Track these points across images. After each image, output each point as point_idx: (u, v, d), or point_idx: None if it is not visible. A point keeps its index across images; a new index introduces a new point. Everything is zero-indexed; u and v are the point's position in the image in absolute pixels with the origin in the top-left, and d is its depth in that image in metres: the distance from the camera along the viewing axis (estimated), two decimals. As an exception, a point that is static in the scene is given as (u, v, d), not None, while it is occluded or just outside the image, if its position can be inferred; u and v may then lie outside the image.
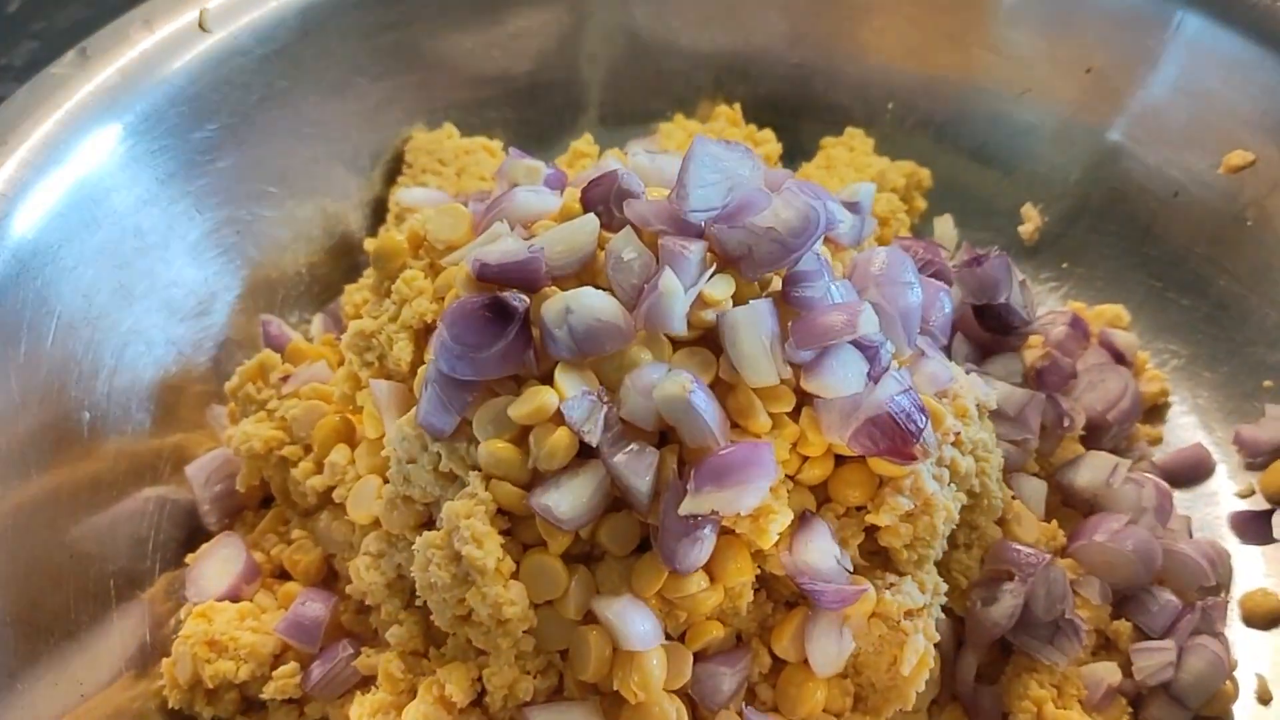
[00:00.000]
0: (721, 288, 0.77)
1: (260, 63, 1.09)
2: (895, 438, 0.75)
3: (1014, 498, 0.91)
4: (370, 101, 1.16)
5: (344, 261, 1.15)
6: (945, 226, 1.16)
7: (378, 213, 1.18)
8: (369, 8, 1.14)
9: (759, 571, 0.78)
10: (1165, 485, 0.96)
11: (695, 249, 0.77)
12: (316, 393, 0.93)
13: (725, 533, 0.76)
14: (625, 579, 0.76)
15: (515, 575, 0.76)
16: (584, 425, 0.73)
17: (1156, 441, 1.06)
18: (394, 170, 1.19)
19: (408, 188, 1.14)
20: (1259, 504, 1.01)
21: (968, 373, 0.90)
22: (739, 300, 0.78)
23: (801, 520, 0.78)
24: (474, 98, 1.21)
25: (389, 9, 1.15)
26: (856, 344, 0.77)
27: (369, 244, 1.11)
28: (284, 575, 0.92)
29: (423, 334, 0.87)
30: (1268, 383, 1.03)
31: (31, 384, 0.90)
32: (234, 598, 0.89)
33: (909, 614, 0.79)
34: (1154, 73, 1.10)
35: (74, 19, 1.56)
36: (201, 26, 1.06)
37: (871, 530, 0.81)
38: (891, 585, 0.80)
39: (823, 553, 0.76)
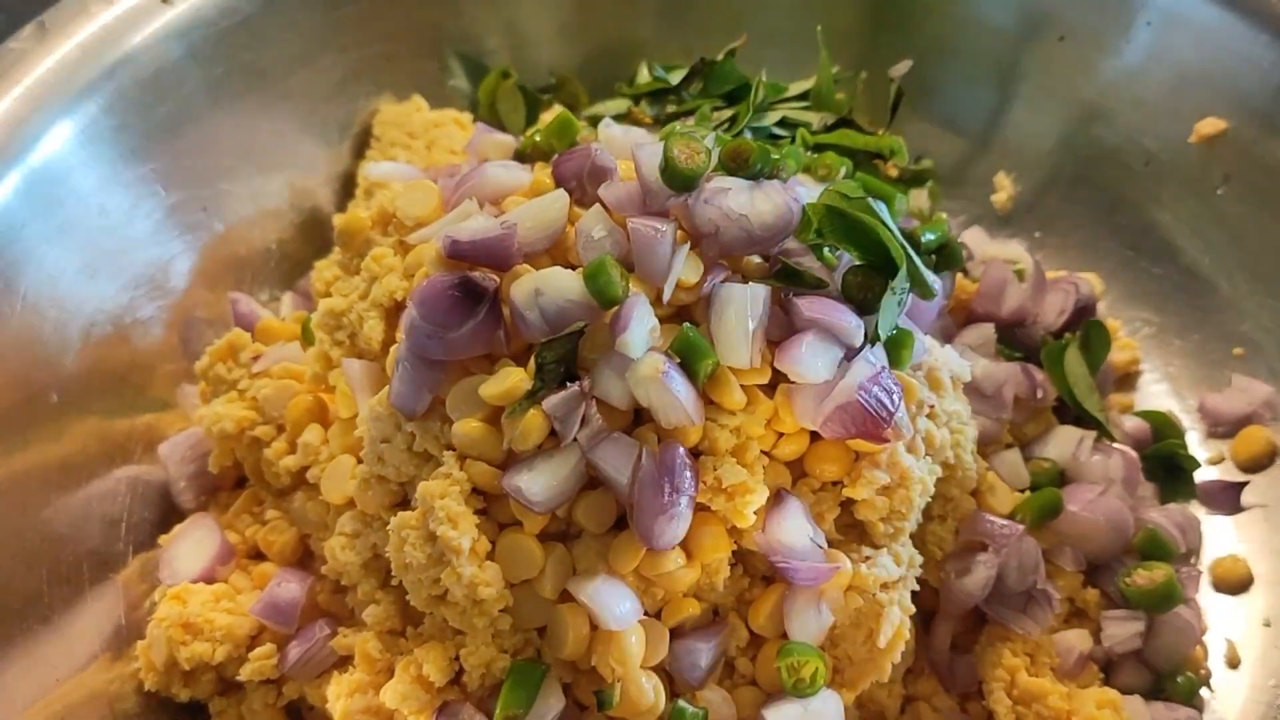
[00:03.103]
0: (692, 271, 0.77)
1: (224, 35, 1.07)
2: (866, 423, 0.75)
3: (988, 469, 0.91)
4: (337, 74, 1.14)
5: (314, 237, 1.14)
6: (919, 198, 1.16)
7: (346, 187, 1.16)
8: (333, -24, 1.12)
9: (735, 548, 0.78)
10: (1133, 455, 0.96)
11: (666, 230, 0.77)
12: (288, 372, 0.92)
13: (701, 510, 0.76)
14: (602, 557, 0.76)
15: (491, 555, 0.76)
16: (563, 421, 0.73)
17: (1128, 409, 1.06)
18: (362, 143, 1.17)
19: (376, 161, 1.12)
20: (1229, 471, 1.02)
21: (943, 345, 0.90)
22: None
23: (775, 499, 0.78)
24: (443, 73, 1.19)
25: (354, -23, 1.14)
26: (830, 330, 0.77)
27: (337, 220, 1.09)
28: (259, 556, 0.92)
29: (393, 312, 0.86)
30: (1238, 350, 1.04)
31: (-4, 366, 0.88)
32: (209, 579, 0.88)
33: (885, 586, 0.79)
34: (1127, 42, 1.10)
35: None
36: (163, -1, 1.04)
37: (847, 504, 0.81)
38: (867, 558, 0.80)
39: (796, 531, 0.77)
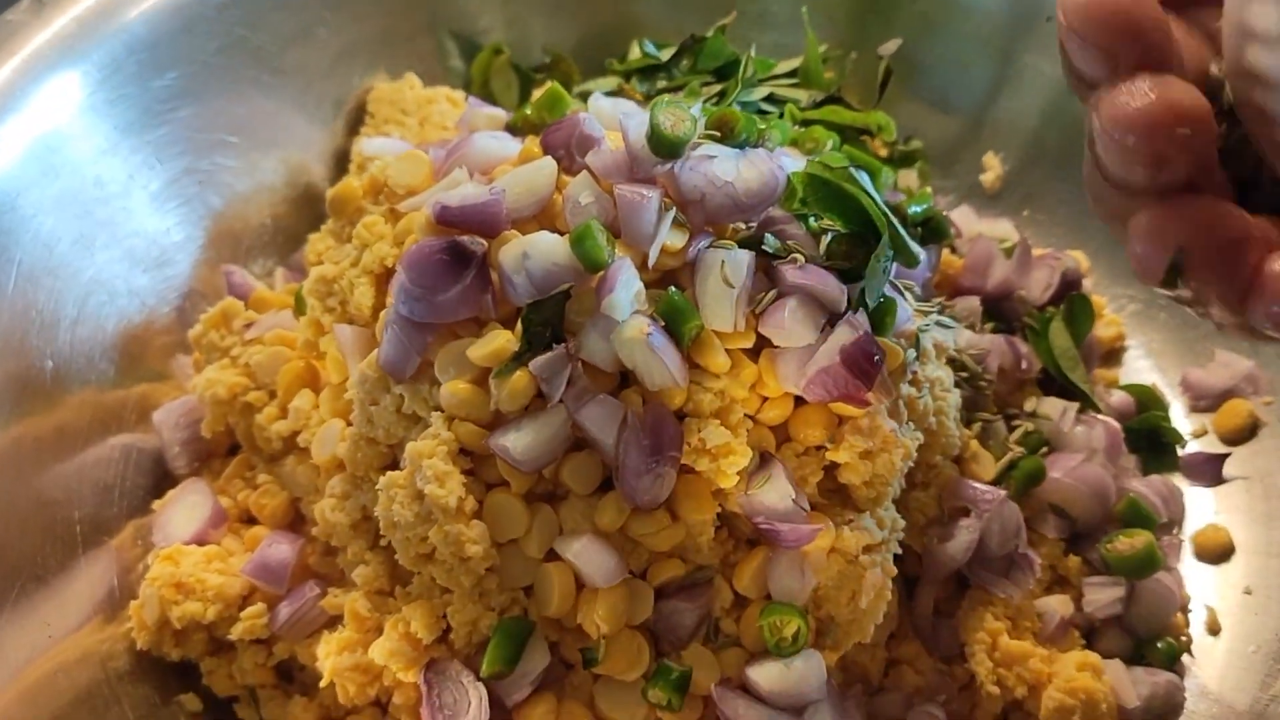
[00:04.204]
0: (678, 236, 0.78)
1: (219, 11, 1.08)
2: (848, 386, 0.76)
3: (972, 437, 0.92)
4: (332, 52, 1.15)
5: (307, 212, 1.15)
6: (909, 178, 1.17)
7: (341, 163, 1.17)
8: (329, -46, 1.14)
9: (720, 510, 0.79)
10: (1115, 425, 0.98)
11: (651, 196, 0.78)
12: (280, 339, 0.93)
13: (686, 471, 0.77)
14: (588, 517, 0.77)
15: (478, 514, 0.77)
16: (549, 381, 0.74)
17: (1113, 384, 1.07)
18: (357, 120, 1.18)
19: (370, 137, 1.13)
20: (1211, 444, 1.03)
21: (926, 312, 0.91)
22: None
23: (759, 462, 0.79)
24: (437, 50, 1.20)
25: (349, -45, 1.15)
26: (814, 296, 0.78)
27: (330, 192, 1.10)
28: (251, 521, 0.93)
29: (383, 278, 0.87)
30: (1220, 326, 1.05)
31: (-9, 333, 0.90)
32: (201, 542, 0.89)
33: (867, 549, 0.80)
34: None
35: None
36: (159, -27, 1.05)
37: (830, 468, 0.82)
38: (850, 521, 0.81)
39: (779, 494, 0.78)
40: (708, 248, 0.79)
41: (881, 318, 0.82)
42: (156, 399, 1.01)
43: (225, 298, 1.05)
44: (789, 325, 0.77)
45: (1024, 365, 0.98)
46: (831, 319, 0.79)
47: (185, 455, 0.95)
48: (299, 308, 0.96)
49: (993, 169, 1.20)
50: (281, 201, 1.15)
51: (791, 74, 1.11)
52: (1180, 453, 1.02)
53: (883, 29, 1.23)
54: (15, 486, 0.89)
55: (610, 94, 1.10)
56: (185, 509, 0.91)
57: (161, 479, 0.98)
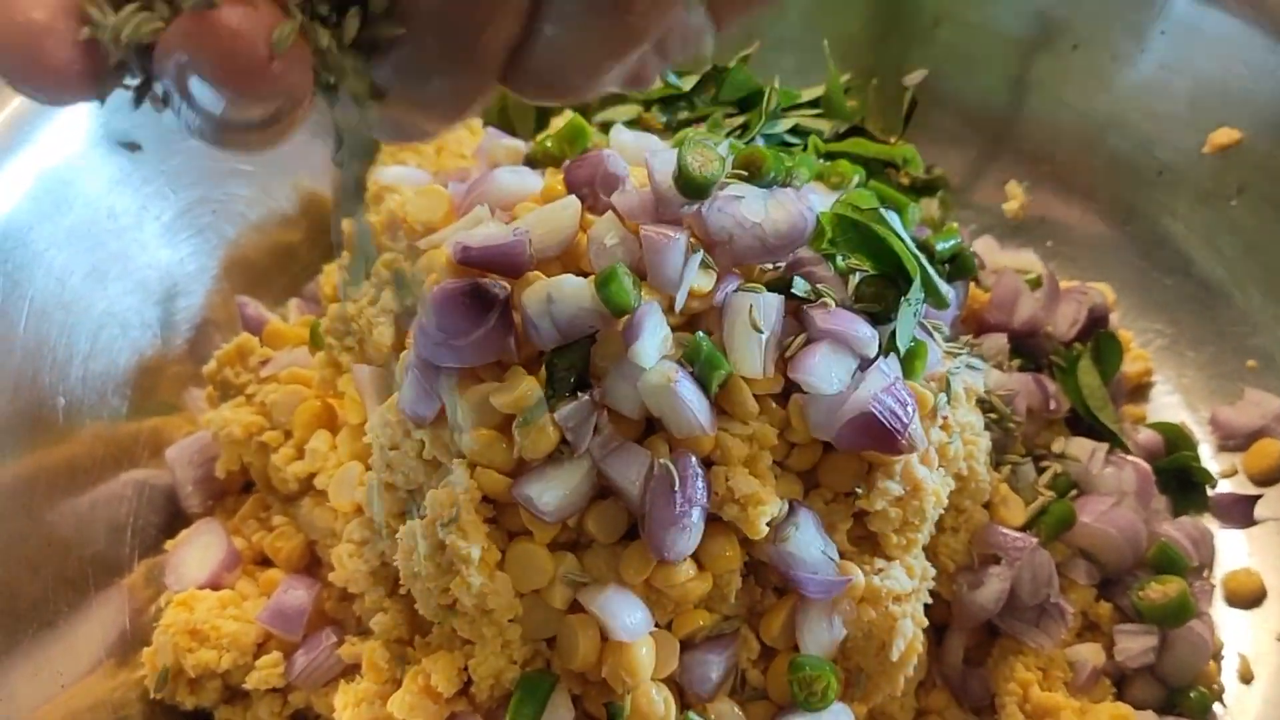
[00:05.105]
0: (705, 280, 0.77)
1: (235, 37, 1.06)
2: (881, 435, 0.74)
3: (1001, 480, 0.91)
4: (347, 77, 1.14)
5: (321, 241, 1.14)
6: (931, 207, 1.15)
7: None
8: (346, -19, 1.12)
9: (746, 558, 0.78)
10: (1145, 467, 0.96)
11: (678, 237, 0.76)
12: (296, 377, 0.92)
13: (713, 520, 0.76)
14: (613, 567, 0.76)
15: (501, 564, 0.75)
16: (575, 431, 0.73)
17: (1140, 420, 1.05)
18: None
19: (385, 165, 1.12)
20: (1241, 484, 1.01)
21: (955, 354, 0.89)
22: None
23: (787, 509, 0.77)
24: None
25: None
26: (845, 341, 0.76)
27: (346, 224, 1.09)
28: (265, 562, 0.91)
29: (403, 317, 0.85)
30: (1251, 363, 1.03)
31: (4, 370, 0.88)
32: (215, 585, 0.88)
33: (897, 599, 0.78)
34: (1141, 51, 1.09)
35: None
36: (173, 1, 1.03)
37: (860, 515, 0.80)
38: (880, 571, 0.79)
39: (809, 543, 0.76)
40: (736, 291, 0.78)
41: (912, 362, 0.80)
42: (169, 433, 0.99)
43: (239, 328, 1.04)
44: (820, 372, 0.75)
45: (1052, 405, 0.96)
46: (862, 363, 0.78)
47: (199, 494, 0.94)
48: (315, 342, 0.95)
49: (1016, 198, 1.18)
50: (295, 229, 1.13)
51: (814, 103, 1.09)
52: (1210, 493, 1.00)
53: (903, 55, 1.21)
54: (27, 526, 0.87)
55: (630, 123, 1.08)
56: (199, 550, 0.89)
57: (174, 516, 0.96)
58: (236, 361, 0.96)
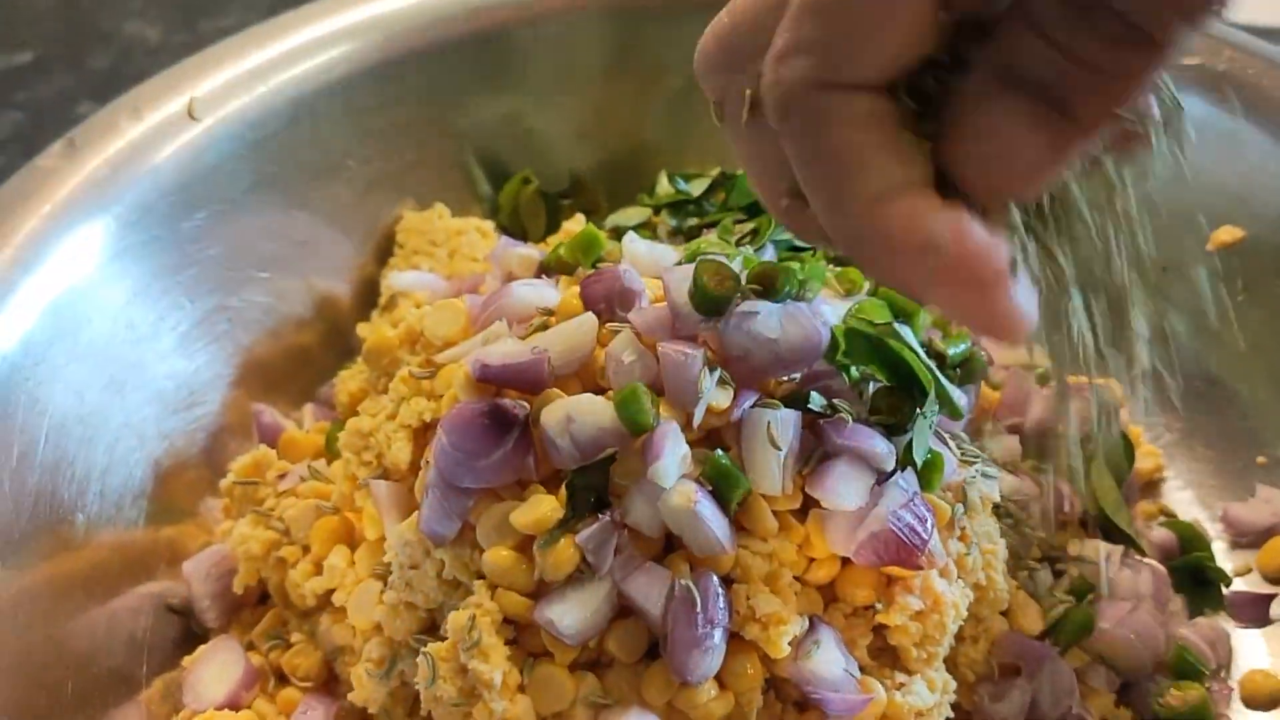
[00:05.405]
0: (722, 397, 0.77)
1: (250, 149, 1.08)
2: (900, 551, 0.75)
3: (1018, 587, 0.91)
4: (361, 184, 1.16)
5: (336, 344, 1.14)
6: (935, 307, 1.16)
7: (369, 294, 1.17)
8: (360, 90, 1.14)
9: (767, 675, 0.77)
10: (1161, 570, 0.96)
11: (695, 354, 0.77)
12: (314, 491, 0.92)
13: (734, 639, 0.76)
14: (634, 687, 0.76)
15: (522, 687, 0.75)
16: (597, 554, 0.73)
17: (1153, 517, 1.06)
18: (385, 250, 1.18)
19: (399, 270, 1.13)
20: (1256, 582, 1.01)
21: (970, 462, 0.90)
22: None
23: (807, 626, 0.77)
24: (465, 178, 1.21)
25: (380, 90, 1.15)
26: (862, 457, 0.77)
27: (361, 329, 1.10)
28: (283, 679, 0.91)
29: (421, 433, 0.86)
30: (1261, 459, 1.04)
31: (24, 489, 0.88)
32: (234, 705, 0.87)
33: (919, 715, 0.78)
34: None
35: (57, 88, 1.55)
36: (191, 115, 1.05)
37: (879, 628, 0.80)
38: (901, 685, 0.79)
39: (830, 661, 0.76)
40: (753, 407, 0.78)
41: (929, 475, 0.81)
42: (184, 544, 0.99)
43: (253, 435, 1.05)
44: (838, 488, 0.76)
45: (1067, 508, 0.96)
46: (879, 477, 0.78)
47: (215, 609, 0.94)
48: (331, 451, 0.95)
49: (1021, 293, 1.19)
50: (310, 333, 1.14)
51: None
52: (1225, 591, 1.00)
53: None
54: (45, 644, 0.87)
55: (640, 228, 1.10)
56: (217, 668, 0.89)
57: (189, 631, 0.96)
58: (253, 474, 0.96)
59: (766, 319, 0.79)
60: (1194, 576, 1.00)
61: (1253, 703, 0.94)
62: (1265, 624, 0.98)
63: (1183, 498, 1.07)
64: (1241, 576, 1.01)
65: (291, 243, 1.12)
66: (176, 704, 0.90)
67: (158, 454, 1.00)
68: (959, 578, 0.83)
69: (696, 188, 1.13)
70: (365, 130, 1.15)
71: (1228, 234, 1.07)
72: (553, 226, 1.20)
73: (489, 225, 1.17)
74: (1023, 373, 1.05)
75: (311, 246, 1.14)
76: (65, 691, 0.87)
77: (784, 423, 0.77)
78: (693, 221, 1.10)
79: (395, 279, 1.09)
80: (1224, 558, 1.03)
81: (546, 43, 1.22)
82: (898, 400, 0.81)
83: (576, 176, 1.24)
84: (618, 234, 1.00)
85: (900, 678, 0.80)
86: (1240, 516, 1.02)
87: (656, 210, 1.13)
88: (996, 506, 0.91)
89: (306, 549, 0.90)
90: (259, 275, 1.10)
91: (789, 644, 0.75)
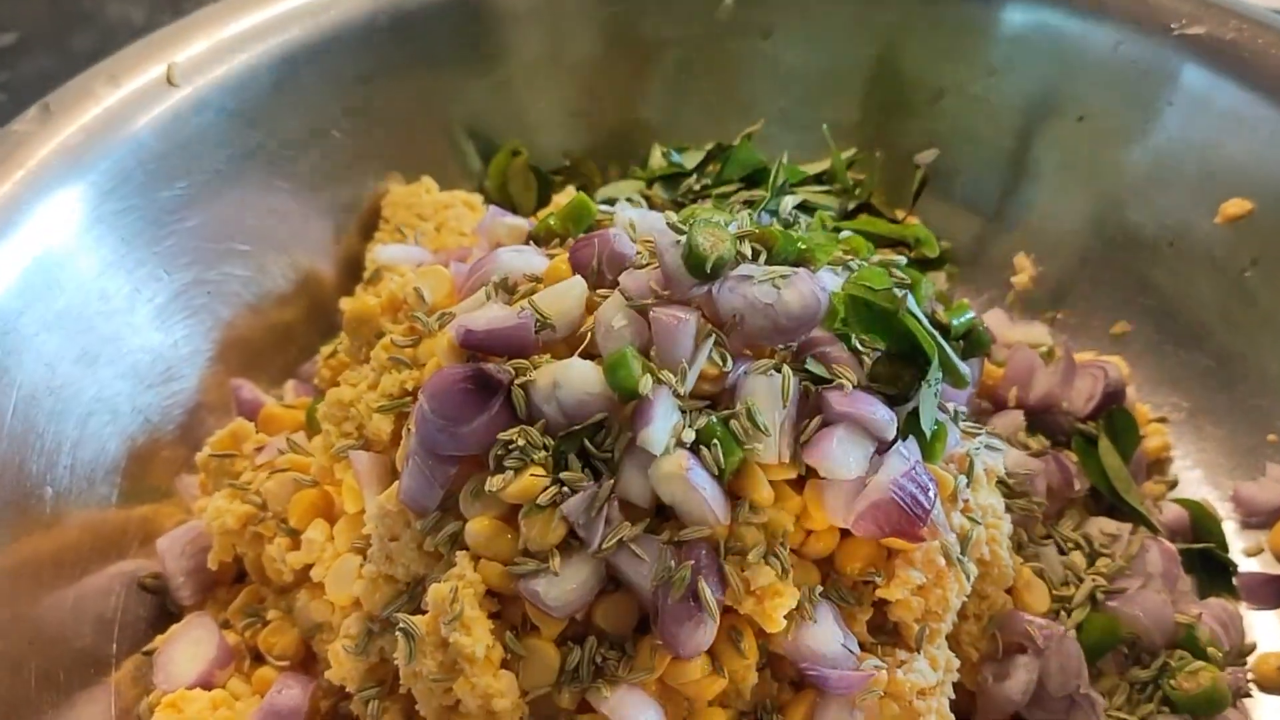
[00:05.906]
0: (717, 361, 0.74)
1: (230, 118, 1.05)
2: (901, 521, 0.71)
3: (1024, 564, 0.87)
4: (345, 156, 1.13)
5: (318, 320, 1.11)
6: (938, 280, 1.13)
7: (353, 270, 1.14)
8: (342, 58, 1.11)
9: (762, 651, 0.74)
10: (1171, 548, 0.93)
11: (688, 319, 0.74)
12: (292, 463, 0.89)
13: (728, 612, 0.72)
14: (624, 663, 0.72)
15: (505, 663, 0.72)
16: (585, 525, 0.70)
17: (1161, 497, 1.03)
18: (370, 225, 1.15)
19: (384, 244, 1.10)
20: (1268, 562, 0.98)
21: (974, 434, 0.86)
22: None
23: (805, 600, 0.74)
24: (453, 152, 1.18)
25: (363, 58, 1.12)
26: (862, 424, 0.74)
27: (344, 303, 1.07)
28: (258, 657, 0.87)
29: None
30: (1272, 436, 1.01)
31: (-10, 460, 0.85)
32: (206, 684, 0.84)
33: (921, 693, 0.75)
34: (1148, 121, 1.08)
35: (40, 69, 1.52)
36: (170, 81, 1.02)
37: (880, 604, 0.77)
38: (902, 663, 0.76)
39: (827, 637, 0.73)
40: (748, 373, 0.75)
41: (933, 444, 0.78)
42: (159, 522, 0.96)
43: (233, 411, 1.02)
44: (837, 456, 0.73)
45: (1076, 486, 0.93)
46: (880, 447, 0.75)
47: (190, 586, 0.90)
48: (311, 426, 0.92)
49: (1025, 270, 1.16)
50: (292, 309, 1.11)
51: (819, 177, 1.08)
52: (1236, 574, 0.97)
53: (907, 128, 1.20)
54: (10, 624, 0.83)
55: (633, 200, 1.07)
56: (189, 646, 0.85)
57: (163, 609, 0.93)
58: (230, 448, 0.92)
59: (762, 283, 0.76)
60: (1204, 557, 0.97)
61: (1266, 685, 0.91)
62: (1278, 605, 0.95)
63: (1192, 477, 1.04)
64: (1253, 557, 0.98)
65: (274, 215, 1.09)
66: (148, 685, 0.87)
67: (132, 429, 0.97)
68: (962, 552, 0.79)
69: (690, 160, 1.10)
70: (350, 100, 1.12)
71: (1236, 207, 1.04)
72: (544, 202, 1.17)
73: (477, 199, 1.14)
74: (1027, 349, 1.01)
75: (294, 219, 1.11)
76: (31, 675, 0.83)
77: (781, 389, 0.74)
78: (687, 192, 1.07)
79: (380, 252, 1.06)
80: (1235, 538, 1.00)
81: (536, 14, 1.19)
82: (899, 368, 0.78)
83: (570, 154, 1.21)
84: (609, 204, 0.97)
85: (901, 655, 0.76)
86: (1251, 496, 0.99)
87: (650, 183, 1.10)
88: (1001, 482, 0.88)
89: (284, 523, 0.87)
90: (239, 248, 1.06)
91: (784, 618, 0.71)
